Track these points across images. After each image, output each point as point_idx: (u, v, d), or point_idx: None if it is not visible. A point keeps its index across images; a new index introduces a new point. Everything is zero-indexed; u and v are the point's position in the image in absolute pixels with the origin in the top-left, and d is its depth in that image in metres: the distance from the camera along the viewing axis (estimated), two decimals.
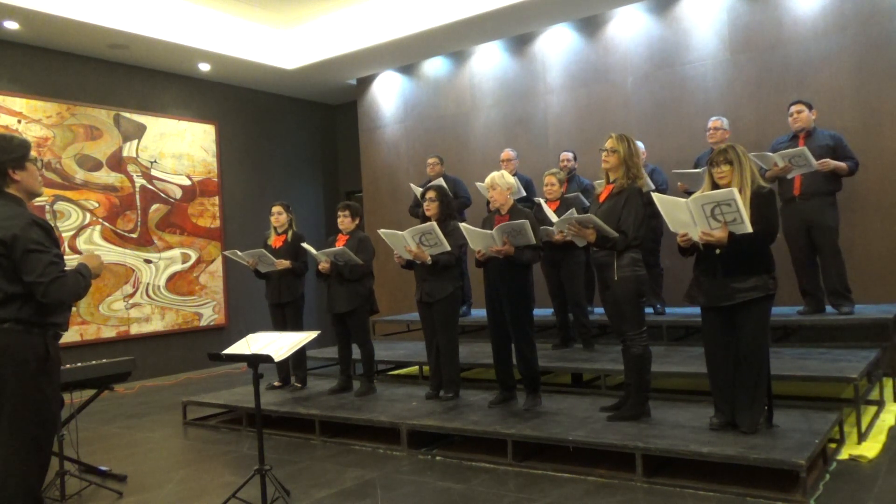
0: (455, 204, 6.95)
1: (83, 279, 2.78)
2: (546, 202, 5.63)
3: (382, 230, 5.19)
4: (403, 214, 8.65)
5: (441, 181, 6.86)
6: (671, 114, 7.12)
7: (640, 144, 6.25)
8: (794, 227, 5.42)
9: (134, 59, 8.23)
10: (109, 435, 5.69)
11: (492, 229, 4.66)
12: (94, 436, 5.63)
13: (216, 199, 9.20)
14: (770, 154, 5.31)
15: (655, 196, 3.83)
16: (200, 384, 7.89)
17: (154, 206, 8.49)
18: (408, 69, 9.11)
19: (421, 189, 5.98)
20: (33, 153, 2.90)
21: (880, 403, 4.91)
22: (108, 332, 7.93)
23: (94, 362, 4.35)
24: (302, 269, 6.05)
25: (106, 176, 8.04)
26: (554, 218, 4.44)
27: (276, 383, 6.23)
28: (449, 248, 4.97)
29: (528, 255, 4.61)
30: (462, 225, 4.75)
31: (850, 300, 5.39)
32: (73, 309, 2.89)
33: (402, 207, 9.01)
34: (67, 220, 7.65)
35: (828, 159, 5.24)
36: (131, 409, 6.71)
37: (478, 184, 6.81)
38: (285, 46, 8.82)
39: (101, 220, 7.95)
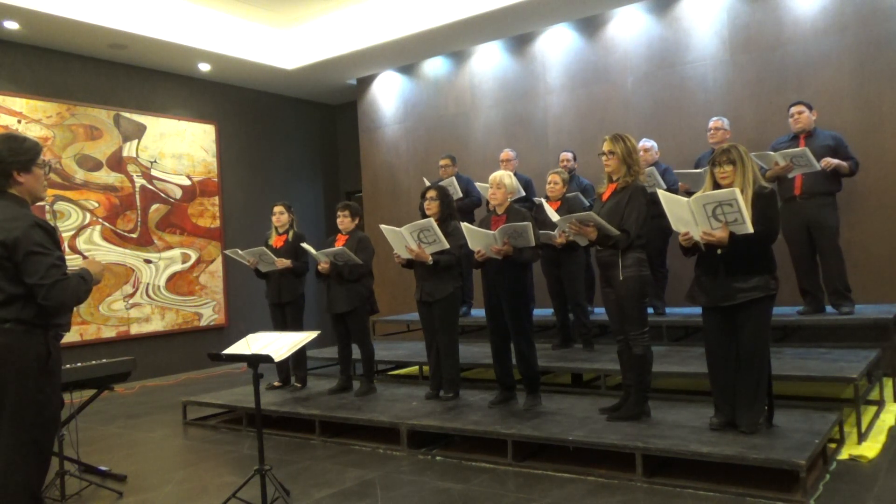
0: (466, 202, 6.95)
1: (84, 283, 2.77)
2: (547, 201, 5.64)
3: (384, 226, 5.19)
4: (404, 214, 8.65)
5: (453, 181, 6.85)
6: (671, 114, 7.12)
7: (653, 144, 6.26)
8: (795, 226, 5.42)
9: (134, 59, 8.23)
10: (109, 435, 5.69)
11: (489, 229, 4.66)
12: (94, 436, 5.63)
13: (216, 199, 9.20)
14: (771, 153, 5.31)
15: (661, 193, 3.83)
16: (200, 384, 7.89)
17: (154, 206, 8.49)
18: (408, 69, 9.11)
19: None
20: (43, 157, 2.86)
21: (880, 403, 4.91)
22: (108, 332, 7.93)
23: (94, 362, 4.34)
24: (302, 268, 6.05)
25: (106, 176, 8.04)
26: (556, 218, 4.44)
27: (276, 383, 6.23)
28: (447, 247, 4.97)
29: (527, 255, 4.61)
30: (464, 224, 4.74)
31: (850, 300, 5.39)
32: (74, 309, 2.88)
33: (402, 207, 9.03)
34: (67, 220, 7.65)
35: (829, 158, 5.24)
36: (131, 409, 6.71)
37: (478, 184, 6.81)
38: (285, 46, 8.82)
39: (101, 220, 7.95)
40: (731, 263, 3.71)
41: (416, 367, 6.49)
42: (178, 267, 8.69)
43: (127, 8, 7.29)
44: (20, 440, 2.64)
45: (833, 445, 4.10)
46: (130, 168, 8.29)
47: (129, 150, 8.29)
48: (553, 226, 5.54)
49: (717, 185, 3.78)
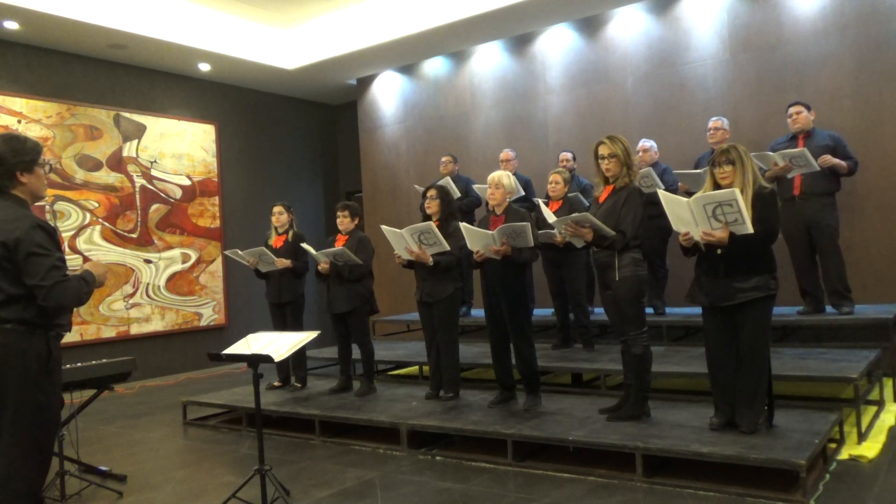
0: (465, 202, 6.96)
1: (86, 285, 2.77)
2: (549, 201, 5.64)
3: (385, 226, 5.19)
4: (404, 214, 8.66)
5: (448, 180, 6.85)
6: (671, 114, 7.12)
7: (653, 144, 6.27)
8: (794, 226, 5.42)
9: (134, 59, 8.23)
10: (109, 435, 5.69)
11: (488, 229, 4.66)
12: (94, 436, 5.63)
13: (216, 199, 9.20)
14: (770, 153, 5.32)
15: (661, 194, 3.83)
16: (200, 384, 7.89)
17: (154, 206, 8.49)
18: (408, 69, 9.11)
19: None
20: (43, 157, 2.87)
21: (880, 403, 4.91)
22: (108, 332, 7.93)
23: (94, 362, 4.34)
24: (302, 268, 6.05)
25: (106, 176, 8.04)
26: (552, 218, 4.44)
27: (276, 383, 6.23)
28: (448, 248, 4.97)
29: (525, 255, 4.61)
30: (462, 224, 4.74)
31: (850, 300, 5.39)
32: (74, 309, 2.90)
33: (402, 207, 9.03)
34: (67, 220, 7.65)
35: (827, 156, 5.24)
36: (131, 409, 6.71)
37: (477, 185, 6.81)
38: (285, 46, 8.82)
39: (101, 220, 7.95)
40: (731, 263, 3.71)
41: (416, 367, 6.49)
42: (178, 267, 8.69)
43: (127, 8, 7.29)
44: (21, 440, 2.64)
45: (833, 445, 4.10)
46: (130, 168, 8.29)
47: (129, 150, 8.29)
48: (550, 223, 5.55)
49: (717, 186, 3.78)
